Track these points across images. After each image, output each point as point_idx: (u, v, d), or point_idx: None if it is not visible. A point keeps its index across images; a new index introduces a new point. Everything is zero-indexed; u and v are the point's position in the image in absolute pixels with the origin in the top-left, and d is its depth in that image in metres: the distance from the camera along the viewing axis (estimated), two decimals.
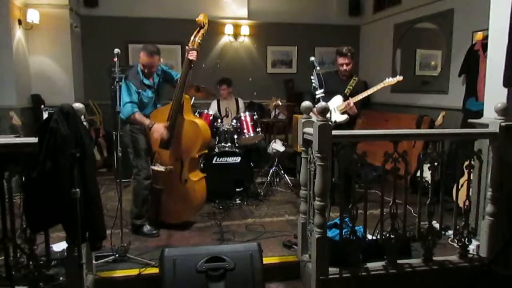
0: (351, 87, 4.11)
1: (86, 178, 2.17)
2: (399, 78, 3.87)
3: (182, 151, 3.58)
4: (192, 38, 3.52)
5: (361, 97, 3.97)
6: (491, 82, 3.17)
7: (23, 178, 2.25)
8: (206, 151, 3.86)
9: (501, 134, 2.76)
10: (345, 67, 4.10)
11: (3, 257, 2.36)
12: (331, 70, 4.07)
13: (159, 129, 3.41)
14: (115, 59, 3.05)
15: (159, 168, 3.52)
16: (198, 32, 3.53)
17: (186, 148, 3.57)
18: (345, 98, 4.05)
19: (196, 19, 3.53)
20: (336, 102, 4.06)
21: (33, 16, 5.57)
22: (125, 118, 3.39)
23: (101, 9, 6.71)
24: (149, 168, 3.55)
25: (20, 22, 5.47)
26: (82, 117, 2.42)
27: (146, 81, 3.56)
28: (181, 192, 3.61)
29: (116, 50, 3.05)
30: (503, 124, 2.76)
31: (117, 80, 3.09)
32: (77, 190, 2.07)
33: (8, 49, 5.16)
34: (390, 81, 3.89)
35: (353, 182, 2.74)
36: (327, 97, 3.69)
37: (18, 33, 5.43)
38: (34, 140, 2.16)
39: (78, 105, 2.37)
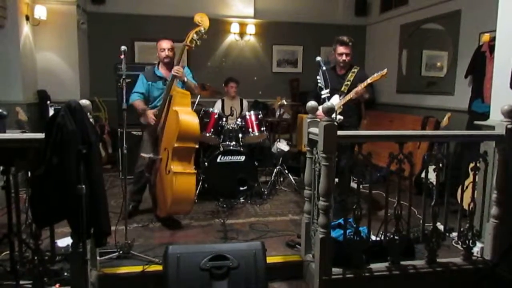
0: (348, 82, 3.76)
1: (92, 175, 2.18)
2: (383, 72, 3.56)
3: (167, 141, 3.61)
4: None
5: (344, 101, 3.68)
6: (498, 84, 3.16)
7: (29, 174, 2.26)
8: (194, 145, 3.61)
9: (507, 136, 2.75)
10: (344, 57, 3.81)
11: (8, 252, 2.37)
12: (328, 67, 3.82)
13: (149, 113, 3.76)
14: (122, 56, 3.06)
15: (145, 155, 3.69)
16: (193, 29, 3.62)
17: (169, 137, 3.58)
18: (342, 96, 3.76)
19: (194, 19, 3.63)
20: (334, 102, 3.74)
21: (40, 12, 5.60)
22: (129, 104, 3.73)
23: (108, 6, 6.73)
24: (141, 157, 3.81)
25: (27, 18, 5.50)
26: (88, 113, 2.43)
27: (158, 73, 3.92)
28: (165, 183, 3.58)
29: (123, 47, 3.07)
30: (509, 126, 2.74)
31: (123, 77, 3.11)
32: (83, 186, 2.08)
33: (16, 45, 5.19)
34: (374, 76, 3.57)
35: (357, 181, 2.74)
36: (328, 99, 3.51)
37: (26, 29, 5.46)
38: (41, 135, 2.17)
39: (84, 102, 2.38)
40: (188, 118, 3.54)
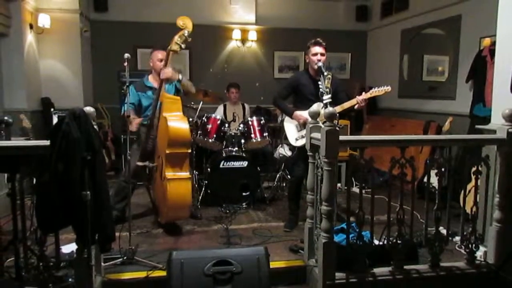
0: (328, 90, 3.41)
1: (96, 181, 2.20)
2: (387, 88, 3.51)
3: (160, 148, 3.63)
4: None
5: (348, 105, 3.59)
6: (499, 88, 3.17)
7: (34, 180, 2.29)
8: (186, 150, 3.55)
9: (509, 140, 2.76)
10: (319, 56, 3.64)
11: (13, 258, 2.39)
12: (301, 71, 3.63)
13: (134, 121, 3.76)
14: (125, 63, 3.09)
15: (140, 163, 3.61)
16: (177, 33, 3.66)
17: (161, 144, 3.59)
18: (332, 97, 3.44)
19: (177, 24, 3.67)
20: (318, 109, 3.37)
21: (44, 20, 5.65)
22: (122, 114, 3.77)
23: (110, 14, 6.78)
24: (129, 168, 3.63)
25: (31, 27, 5.55)
26: (92, 120, 2.45)
27: (147, 83, 3.99)
28: (161, 189, 3.59)
29: (126, 55, 3.09)
30: (510, 130, 2.75)
31: (127, 84, 3.15)
32: (88, 192, 2.10)
33: (20, 53, 5.25)
34: (378, 90, 3.53)
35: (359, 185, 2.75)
36: (305, 104, 3.50)
37: (29, 37, 5.52)
38: (45, 142, 2.20)
39: (89, 109, 2.40)
40: (176, 124, 3.47)
